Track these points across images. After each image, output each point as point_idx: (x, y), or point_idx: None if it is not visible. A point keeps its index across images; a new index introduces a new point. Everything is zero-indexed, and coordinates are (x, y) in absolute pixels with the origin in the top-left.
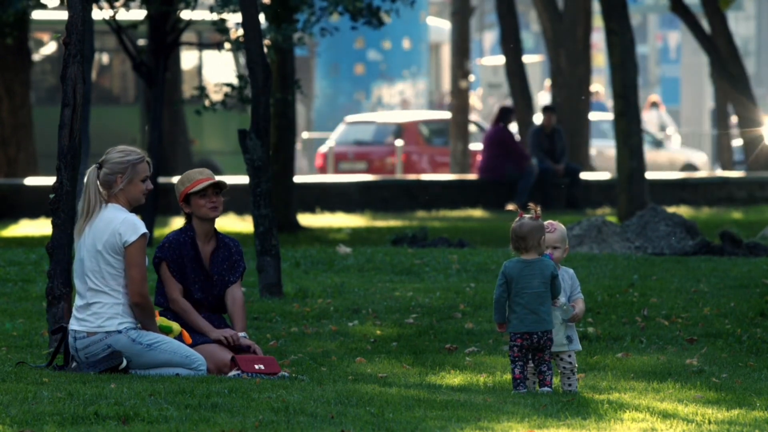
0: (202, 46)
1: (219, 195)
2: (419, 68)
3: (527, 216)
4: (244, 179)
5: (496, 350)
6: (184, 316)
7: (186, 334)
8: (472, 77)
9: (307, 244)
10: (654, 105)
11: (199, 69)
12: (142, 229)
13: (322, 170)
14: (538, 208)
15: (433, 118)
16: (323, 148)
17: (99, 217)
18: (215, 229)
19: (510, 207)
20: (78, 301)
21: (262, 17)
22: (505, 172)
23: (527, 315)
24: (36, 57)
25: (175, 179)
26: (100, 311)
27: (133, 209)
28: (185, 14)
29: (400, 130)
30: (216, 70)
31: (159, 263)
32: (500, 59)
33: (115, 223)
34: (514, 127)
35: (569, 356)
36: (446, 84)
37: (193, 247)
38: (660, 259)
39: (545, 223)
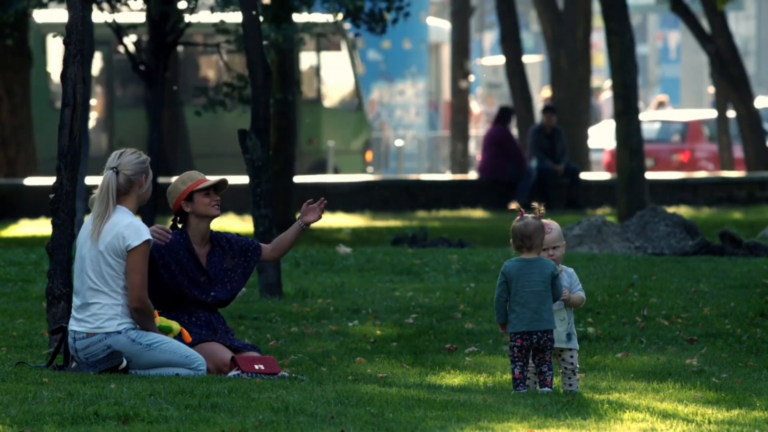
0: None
1: (217, 195)
2: (419, 68)
3: (530, 215)
4: (244, 179)
5: (496, 350)
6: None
7: (186, 333)
8: (472, 77)
9: (307, 244)
10: (661, 105)
11: (317, 70)
12: (147, 235)
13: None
14: (542, 208)
15: (714, 117)
16: None
17: (109, 220)
18: (211, 231)
19: (513, 206)
20: (76, 301)
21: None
22: (505, 172)
23: (527, 314)
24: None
25: (174, 179)
26: (99, 312)
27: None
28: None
29: (686, 128)
30: (333, 70)
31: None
32: (500, 59)
33: (120, 227)
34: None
35: (571, 356)
36: (446, 84)
37: (188, 250)
38: (660, 259)
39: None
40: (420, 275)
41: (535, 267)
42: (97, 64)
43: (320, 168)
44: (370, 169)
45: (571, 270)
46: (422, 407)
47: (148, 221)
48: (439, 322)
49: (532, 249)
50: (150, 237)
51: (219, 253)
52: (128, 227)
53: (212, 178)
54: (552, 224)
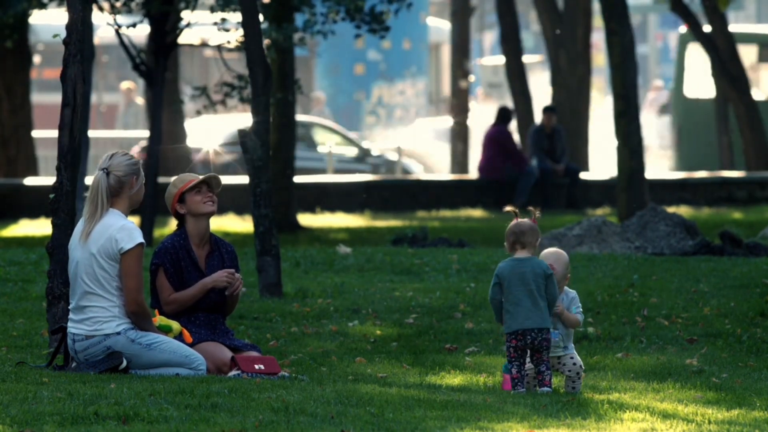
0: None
1: (213, 194)
2: (419, 68)
3: (526, 219)
4: (244, 179)
5: (496, 350)
6: (184, 302)
7: (186, 333)
8: (472, 77)
9: (307, 244)
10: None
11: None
12: (139, 238)
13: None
14: (538, 212)
15: None
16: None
17: (100, 221)
18: (210, 234)
19: (508, 208)
20: (72, 303)
21: (261, 17)
22: (505, 172)
23: (520, 313)
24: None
25: (174, 179)
26: (96, 315)
27: (131, 210)
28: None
29: None
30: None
31: (156, 270)
32: (500, 59)
33: (113, 230)
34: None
35: (571, 357)
36: (446, 84)
37: (186, 251)
38: (660, 259)
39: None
40: (420, 275)
41: (528, 265)
42: None
43: None
44: None
45: (573, 293)
46: (422, 407)
47: (148, 221)
48: (439, 322)
49: (526, 247)
50: (143, 240)
51: (218, 256)
52: (121, 230)
53: (203, 177)
54: (562, 258)
